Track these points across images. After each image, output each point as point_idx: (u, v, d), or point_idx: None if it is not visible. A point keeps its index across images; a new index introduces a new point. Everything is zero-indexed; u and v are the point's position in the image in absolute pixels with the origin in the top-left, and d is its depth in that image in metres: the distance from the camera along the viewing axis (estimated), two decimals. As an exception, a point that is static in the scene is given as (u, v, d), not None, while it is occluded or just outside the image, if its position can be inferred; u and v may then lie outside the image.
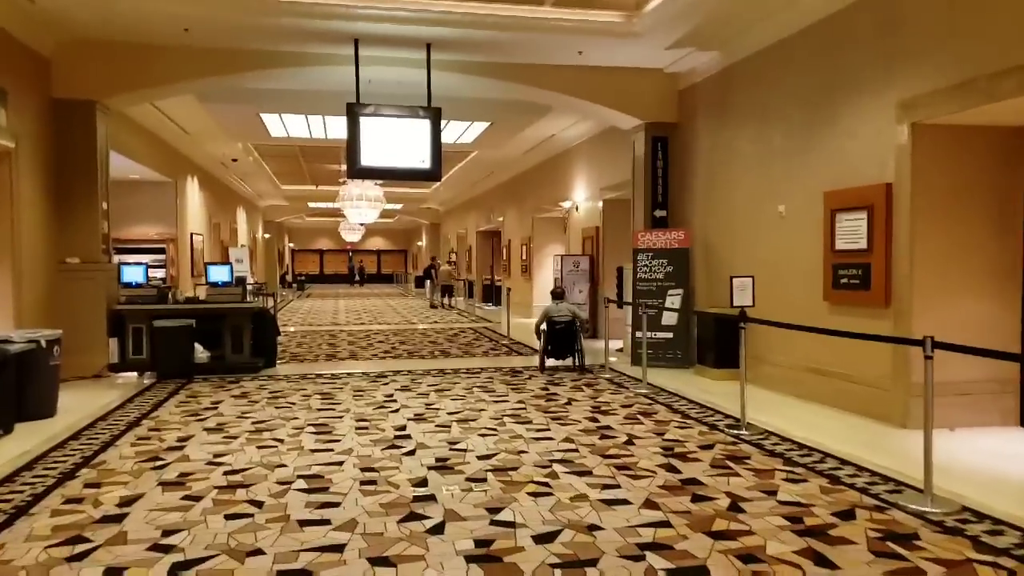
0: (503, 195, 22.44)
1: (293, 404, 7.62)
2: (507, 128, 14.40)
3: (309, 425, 6.64)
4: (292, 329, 16.36)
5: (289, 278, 43.02)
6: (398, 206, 32.38)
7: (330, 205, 31.64)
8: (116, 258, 15.10)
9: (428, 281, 25.02)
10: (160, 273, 15.12)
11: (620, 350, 12.01)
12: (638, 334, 10.29)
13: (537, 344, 10.39)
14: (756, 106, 8.82)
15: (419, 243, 45.11)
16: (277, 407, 7.48)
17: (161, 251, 15.27)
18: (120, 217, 15.32)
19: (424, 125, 9.42)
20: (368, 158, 9.25)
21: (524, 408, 7.36)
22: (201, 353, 9.67)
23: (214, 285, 10.05)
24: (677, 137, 10.89)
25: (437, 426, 6.58)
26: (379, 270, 55.58)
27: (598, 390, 8.43)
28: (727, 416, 6.93)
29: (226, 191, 23.16)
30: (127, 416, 7.11)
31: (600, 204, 13.85)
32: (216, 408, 7.44)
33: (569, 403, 7.63)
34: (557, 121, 14.04)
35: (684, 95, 10.74)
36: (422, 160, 9.42)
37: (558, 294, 10.81)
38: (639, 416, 6.98)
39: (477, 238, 26.61)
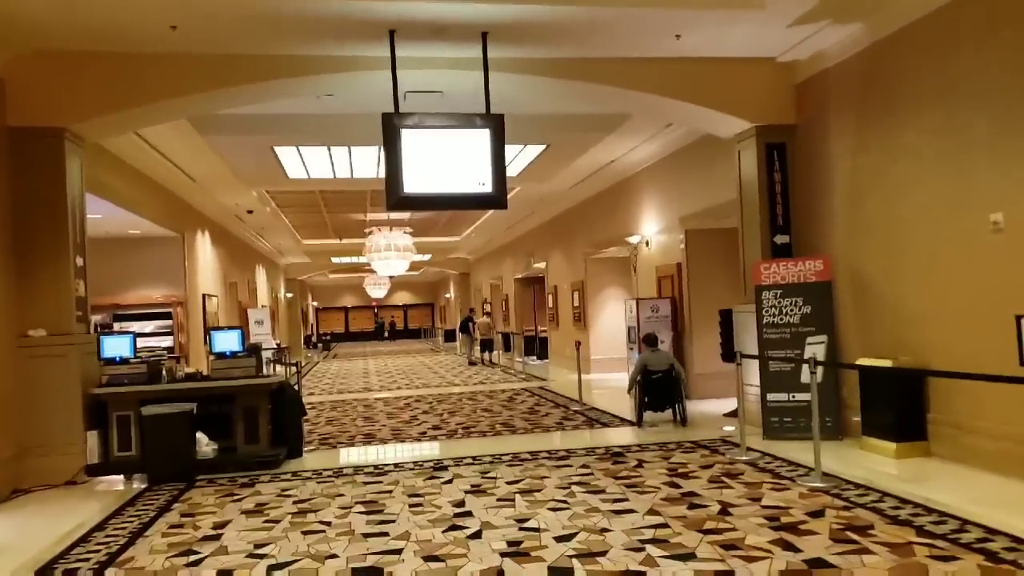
0: (546, 236, 20.25)
1: (327, 526, 5.29)
2: (564, 152, 12.23)
3: (352, 568, 4.32)
4: (319, 399, 14.08)
5: (314, 339, 40.98)
6: (426, 256, 30.34)
7: (355, 260, 29.73)
8: (117, 326, 13.11)
9: (465, 335, 22.73)
10: (167, 342, 12.99)
11: (730, 415, 9.59)
12: (771, 397, 7.94)
13: (629, 403, 8.84)
14: (938, 85, 6.53)
15: (447, 295, 43.02)
16: (305, 531, 5.16)
17: (167, 316, 13.15)
18: (119, 279, 13.33)
19: (482, 137, 7.24)
20: (413, 183, 7.07)
21: (664, 524, 4.98)
22: (206, 445, 7.41)
23: (221, 356, 7.82)
24: (797, 142, 8.63)
25: (551, 569, 4.22)
26: (406, 325, 53.50)
27: (750, 484, 6.03)
28: (984, 528, 4.50)
29: (243, 247, 21.21)
30: (90, 555, 4.82)
31: (681, 236, 11.57)
32: (219, 536, 5.14)
33: (726, 512, 5.23)
34: (620, 143, 11.89)
35: (805, 89, 8.51)
36: (481, 183, 7.22)
37: (651, 340, 9.77)
38: (851, 534, 4.57)
39: (515, 286, 24.38)
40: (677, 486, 6.04)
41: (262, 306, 23.03)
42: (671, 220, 12.02)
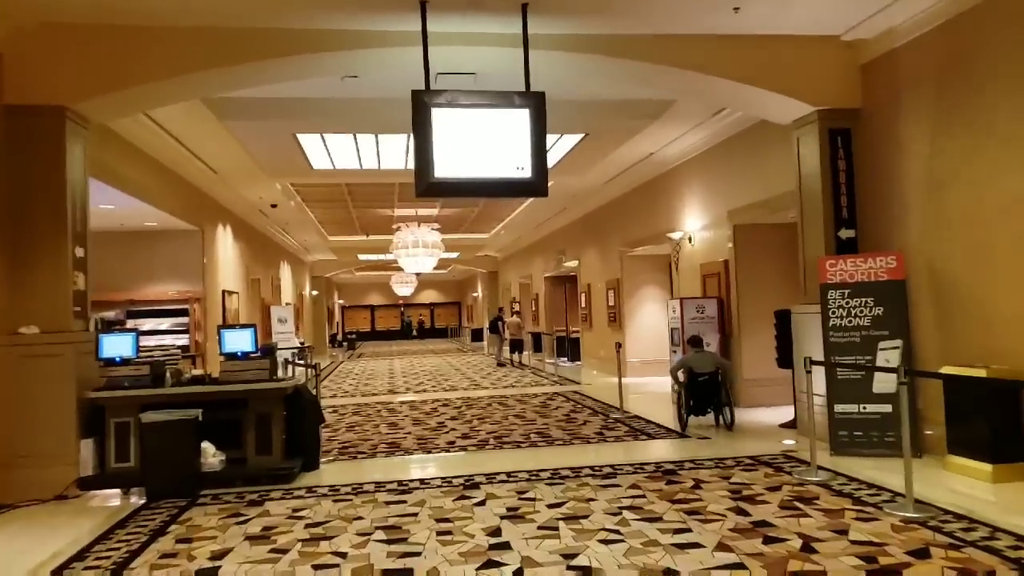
0: (578, 234, 19.46)
1: (341, 559, 4.57)
2: (603, 142, 11.44)
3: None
4: (342, 401, 13.43)
5: (339, 337, 40.51)
6: (454, 254, 29.68)
7: (382, 257, 29.14)
8: (131, 322, 12.55)
9: (495, 335, 21.99)
10: (182, 340, 12.41)
11: (787, 426, 8.76)
12: (839, 408, 7.12)
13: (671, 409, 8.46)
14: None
15: (474, 294, 42.33)
16: (316, 564, 4.46)
17: (184, 313, 12.57)
18: (134, 274, 12.77)
19: (521, 118, 6.50)
20: (444, 167, 6.35)
21: (739, 564, 4.20)
22: (212, 456, 6.74)
23: (231, 357, 7.14)
24: (862, 128, 7.80)
25: (611, 625, 3.47)
26: (432, 324, 52.93)
27: (829, 512, 5.22)
28: None
29: (267, 243, 20.67)
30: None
31: (729, 232, 10.75)
32: (215, 570, 4.44)
33: (810, 548, 4.43)
34: (663, 132, 11.09)
35: (872, 70, 7.67)
36: (519, 167, 6.48)
37: (696, 341, 9.48)
38: (973, 586, 3.77)
39: (545, 285, 23.60)
40: (744, 512, 5.25)
41: (286, 304, 22.49)
42: (718, 215, 11.19)
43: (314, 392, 7.84)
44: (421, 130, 6.32)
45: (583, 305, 19.15)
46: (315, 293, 32.12)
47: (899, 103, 7.28)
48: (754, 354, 10.54)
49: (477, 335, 37.64)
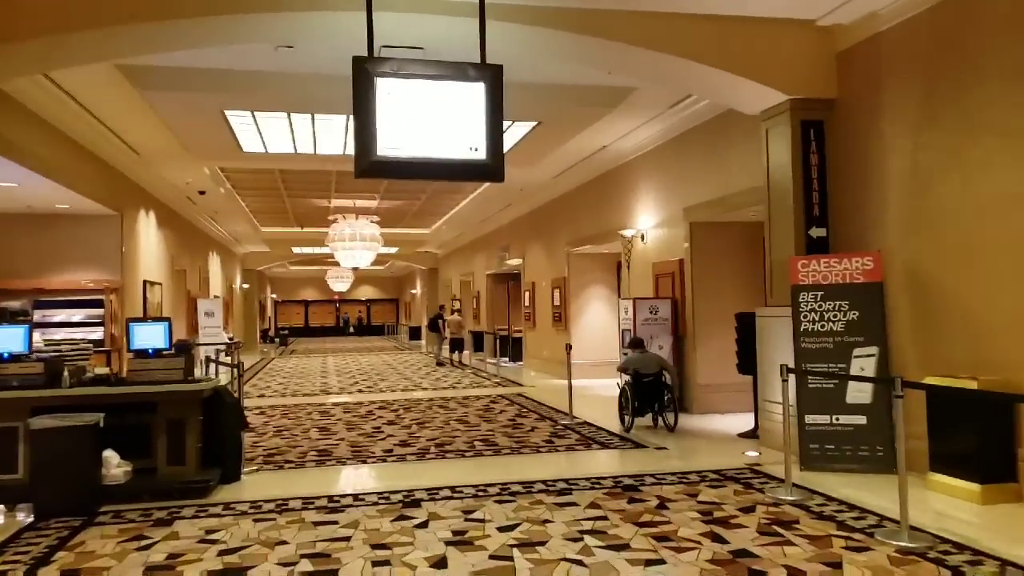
0: (523, 230, 18.87)
1: (259, 598, 3.84)
2: (557, 132, 10.83)
3: None
4: (270, 402, 12.53)
5: (271, 333, 39.10)
6: (393, 249, 28.75)
7: (317, 250, 28.06)
8: (38, 314, 11.42)
9: (435, 333, 21.22)
10: (96, 334, 11.36)
11: (746, 436, 8.30)
12: (810, 419, 6.66)
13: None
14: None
15: (413, 291, 41.42)
16: (227, 607, 3.71)
17: (98, 304, 11.49)
18: (42, 260, 11.65)
19: (476, 92, 5.80)
20: (388, 145, 5.61)
21: (729, 605, 3.63)
22: (116, 467, 5.88)
23: (141, 354, 6.28)
24: (838, 120, 7.36)
25: None
26: (368, 321, 51.71)
27: (814, 539, 4.69)
28: None
29: (195, 232, 19.52)
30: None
31: (685, 230, 10.27)
32: (104, 614, 3.67)
33: (803, 584, 3.89)
34: (619, 123, 10.56)
35: (850, 57, 7.23)
36: (473, 147, 5.79)
37: (638, 343, 9.38)
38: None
39: (488, 282, 22.95)
40: (721, 539, 4.69)
41: (214, 297, 21.36)
42: (673, 212, 10.71)
43: (236, 394, 7.01)
44: (363, 102, 5.57)
45: (527, 304, 18.56)
46: (246, 286, 30.83)
47: (879, 93, 6.85)
48: (709, 358, 10.09)
49: (415, 333, 36.76)
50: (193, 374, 6.43)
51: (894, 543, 4.52)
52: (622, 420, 9.00)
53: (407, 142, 5.67)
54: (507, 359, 20.04)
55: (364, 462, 7.37)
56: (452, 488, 6.09)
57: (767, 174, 7.80)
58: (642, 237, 11.72)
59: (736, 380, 9.56)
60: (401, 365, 20.61)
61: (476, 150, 5.78)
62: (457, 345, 20.40)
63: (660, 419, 8.92)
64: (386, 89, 5.60)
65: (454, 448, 7.94)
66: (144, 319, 6.94)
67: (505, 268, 21.06)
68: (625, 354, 10.67)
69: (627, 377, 8.96)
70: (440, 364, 20.03)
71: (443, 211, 20.70)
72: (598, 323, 15.10)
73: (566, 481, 6.30)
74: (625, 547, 4.57)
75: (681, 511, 5.35)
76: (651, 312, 10.51)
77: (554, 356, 16.27)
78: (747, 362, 8.34)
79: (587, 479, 6.38)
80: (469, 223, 22.28)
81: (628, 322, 10.64)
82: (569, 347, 10.35)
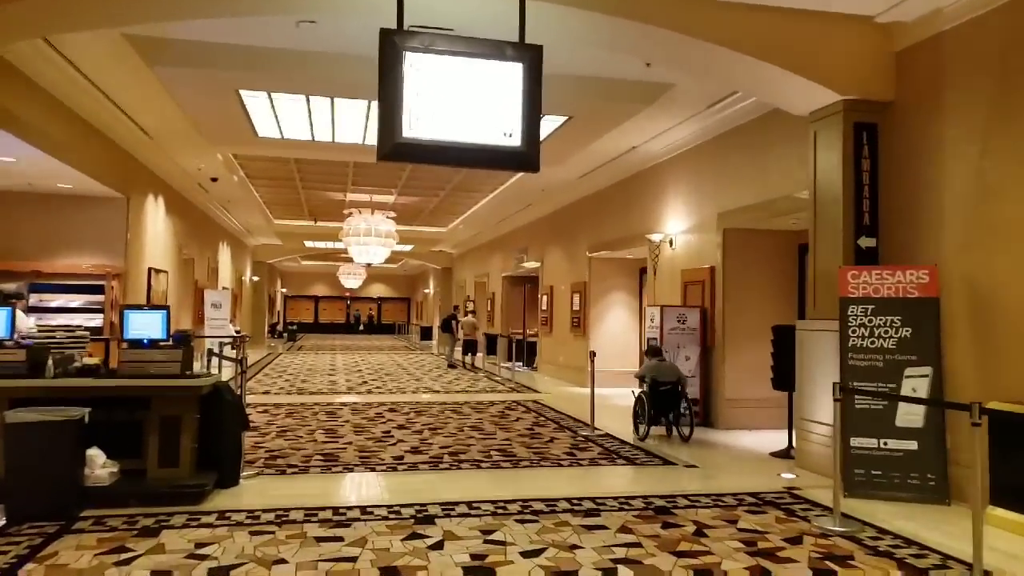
0: (543, 232, 18.37)
1: (251, 630, 3.35)
2: (587, 128, 10.32)
3: None
4: (275, 399, 12.06)
5: (280, 327, 38.72)
6: (407, 247, 28.34)
7: (331, 245, 27.69)
8: (34, 298, 11.00)
9: (447, 334, 20.72)
10: (96, 321, 10.93)
11: (779, 455, 7.77)
12: (856, 442, 6.13)
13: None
14: None
15: (425, 290, 40.98)
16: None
17: (99, 290, 11.07)
18: (43, 242, 11.25)
19: (512, 73, 5.32)
20: (415, 126, 5.14)
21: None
22: (101, 467, 5.41)
23: (136, 345, 5.82)
24: (893, 123, 6.84)
25: None
26: (379, 319, 51.29)
27: (875, 580, 4.18)
28: None
29: (205, 221, 19.13)
30: None
31: (718, 237, 9.74)
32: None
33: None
34: (654, 121, 10.06)
35: (909, 57, 6.71)
36: (507, 132, 5.31)
37: (656, 351, 9.18)
38: None
39: (503, 284, 22.46)
40: (769, 575, 4.18)
41: (223, 288, 20.96)
42: (705, 217, 10.19)
43: (238, 391, 6.54)
44: (389, 78, 5.10)
45: (544, 308, 18.05)
46: (256, 279, 30.48)
47: (942, 95, 6.32)
48: (738, 372, 9.56)
49: (426, 333, 36.31)
50: (192, 368, 5.95)
51: (974, 595, 4.00)
52: (636, 429, 8.87)
53: (436, 124, 5.18)
54: (521, 364, 19.52)
55: (373, 469, 6.87)
56: (469, 504, 5.59)
57: (814, 179, 7.27)
58: (671, 243, 11.20)
59: (765, 396, 9.08)
60: (412, 366, 20.14)
61: (510, 136, 5.30)
62: (470, 347, 19.91)
63: (675, 429, 8.79)
64: (415, 65, 5.12)
65: (469, 458, 7.43)
66: (140, 306, 6.44)
67: (522, 271, 20.58)
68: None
69: (644, 386, 8.78)
70: (452, 366, 19.55)
71: (461, 210, 20.23)
72: (618, 330, 14.59)
73: (593, 500, 5.79)
74: (665, 583, 4.06)
75: (721, 540, 4.84)
76: (679, 321, 9.98)
77: (570, 362, 15.77)
78: (783, 378, 7.81)
79: (615, 498, 5.86)
80: (487, 223, 21.80)
81: (655, 330, 10.12)
82: (593, 354, 9.82)
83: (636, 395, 9.06)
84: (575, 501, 5.74)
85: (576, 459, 7.49)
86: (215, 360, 8.67)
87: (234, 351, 15.15)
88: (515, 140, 5.31)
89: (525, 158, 5.33)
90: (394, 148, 5.12)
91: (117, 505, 5.24)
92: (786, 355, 7.71)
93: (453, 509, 5.45)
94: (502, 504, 5.62)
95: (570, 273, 16.02)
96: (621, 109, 9.34)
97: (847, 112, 6.86)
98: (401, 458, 7.37)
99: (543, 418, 10.29)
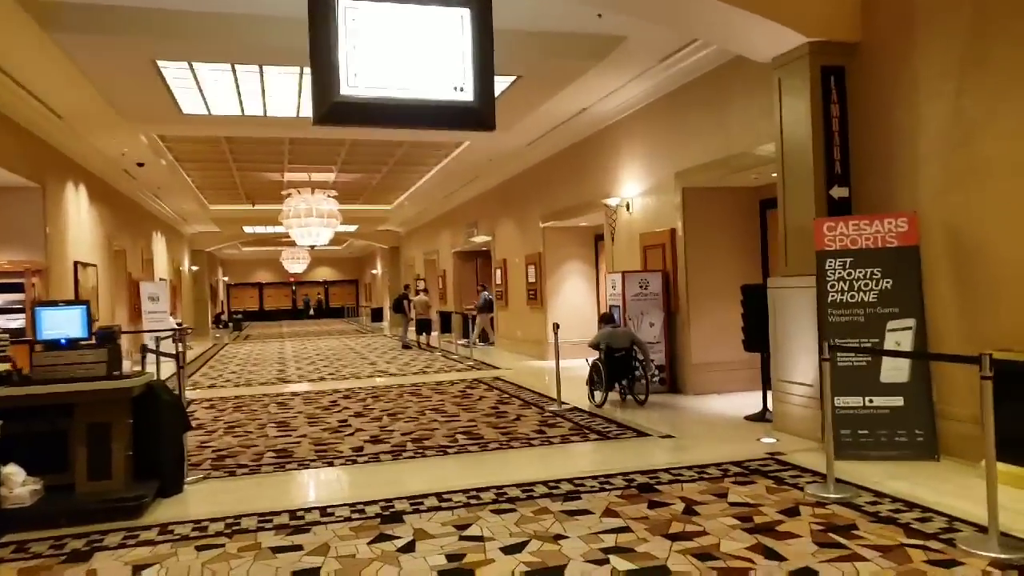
0: (493, 205, 17.86)
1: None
2: (537, 88, 9.81)
3: None
4: (222, 392, 11.41)
5: (224, 317, 37.53)
6: (352, 227, 27.49)
7: (271, 229, 26.70)
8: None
9: (400, 315, 20.11)
10: (17, 322, 10.10)
11: (755, 419, 7.50)
12: (841, 402, 5.85)
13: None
14: None
15: (373, 271, 40.13)
16: None
17: (17, 288, 10.23)
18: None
19: (459, 20, 4.81)
20: (356, 83, 4.60)
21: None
22: (21, 485, 4.80)
23: (52, 346, 5.18)
24: (862, 65, 6.50)
25: None
26: (327, 303, 50.20)
27: (884, 550, 3.84)
28: None
29: (135, 209, 18.14)
30: None
31: (677, 197, 9.38)
32: None
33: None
34: (601, 82, 9.62)
35: (877, -8, 6.38)
36: (457, 87, 4.80)
37: (609, 318, 9.28)
38: None
39: (454, 260, 21.92)
40: (775, 554, 3.83)
41: (160, 279, 20.01)
42: (663, 178, 9.81)
43: (177, 392, 5.95)
44: (322, 29, 4.53)
45: (498, 282, 17.59)
46: (195, 269, 29.36)
47: (914, 32, 5.99)
48: (704, 335, 9.27)
49: (377, 315, 35.59)
50: (120, 368, 5.35)
51: (984, 554, 3.72)
52: (591, 397, 8.82)
53: (377, 80, 4.66)
54: (478, 340, 19.06)
55: (331, 464, 6.36)
56: (439, 495, 5.14)
57: (780, 129, 6.92)
58: (627, 206, 10.82)
59: (733, 358, 8.86)
60: (364, 349, 19.53)
61: (461, 90, 4.80)
62: (424, 327, 19.40)
63: (630, 394, 8.84)
64: (351, 14, 4.58)
65: (434, 443, 6.97)
66: (55, 303, 5.76)
67: (473, 245, 20.07)
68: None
69: (600, 353, 8.76)
70: (406, 347, 19.00)
71: (406, 185, 19.58)
72: (577, 300, 14.23)
73: (570, 481, 5.39)
74: (663, 570, 3.68)
75: (714, 516, 4.48)
76: (641, 286, 9.64)
77: (529, 336, 15.38)
78: (755, 339, 7.51)
79: (593, 477, 5.48)
80: (434, 198, 21.18)
81: (616, 297, 9.76)
82: (557, 327, 9.41)
83: (591, 363, 8.91)
84: (552, 484, 5.33)
85: (547, 437, 7.09)
86: (151, 357, 7.98)
87: (176, 344, 14.35)
88: (467, 95, 4.82)
89: (478, 115, 4.85)
90: (332, 109, 4.58)
91: (43, 526, 4.65)
92: (757, 315, 7.40)
93: (422, 503, 4.99)
94: (474, 493, 5.18)
95: (524, 244, 15.57)
96: (571, 67, 8.86)
97: (813, 55, 6.51)
98: (361, 449, 6.87)
99: (506, 395, 9.88)
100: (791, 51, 6.66)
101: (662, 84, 9.50)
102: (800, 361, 6.60)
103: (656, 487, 5.19)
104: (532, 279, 14.93)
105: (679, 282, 9.44)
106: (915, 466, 5.53)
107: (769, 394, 7.40)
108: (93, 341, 5.27)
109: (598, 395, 8.71)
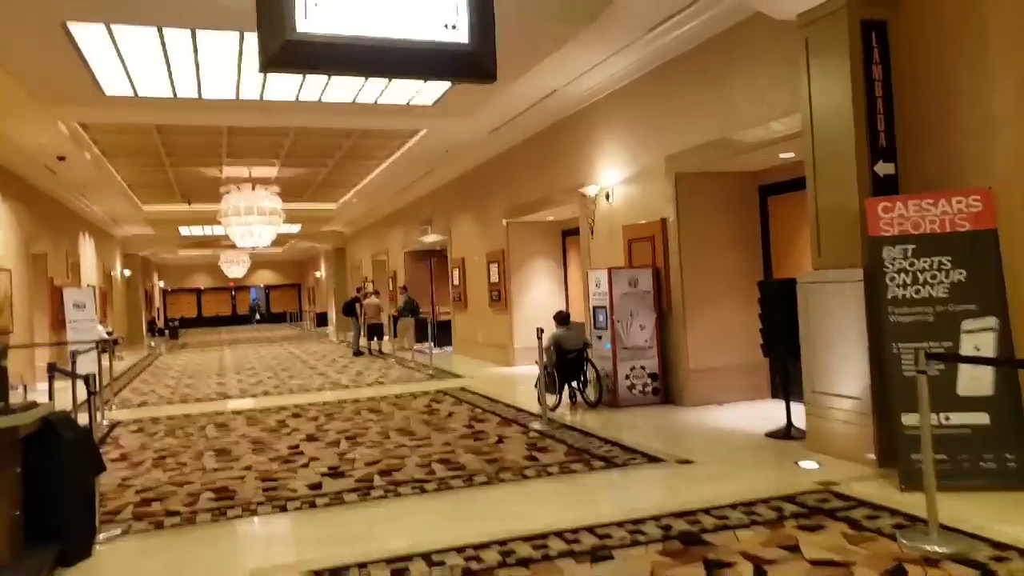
0: (448, 200, 16.69)
1: None
2: (511, 63, 8.57)
3: None
4: (153, 412, 9.99)
5: (160, 325, 35.45)
6: (295, 228, 25.91)
7: (209, 231, 25.02)
8: None
9: (351, 319, 18.75)
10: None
11: (778, 436, 6.50)
12: (909, 420, 4.86)
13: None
14: None
15: (317, 274, 38.47)
16: None
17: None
18: None
19: (449, -61, 3.67)
20: (316, 15, 3.42)
21: None
22: None
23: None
24: (910, 19, 5.56)
25: None
26: (268, 309, 48.20)
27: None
28: None
29: (58, 210, 16.49)
30: None
31: (669, 184, 8.37)
32: None
33: None
34: (580, 56, 8.53)
35: (929, -68, 5.43)
36: (449, 24, 3.67)
37: (564, 319, 9.00)
38: None
39: (406, 260, 20.64)
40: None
41: (87, 286, 18.30)
42: (650, 163, 8.79)
43: (88, 424, 4.67)
44: (269, -58, 3.35)
45: (456, 283, 16.42)
46: (128, 274, 27.45)
47: (975, -21, 5.07)
48: (703, 338, 8.28)
49: (322, 320, 34.01)
50: (6, 399, 4.06)
51: None
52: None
53: (344, 12, 3.48)
54: (432, 345, 17.81)
55: (283, 509, 5.13)
56: (427, 558, 3.97)
57: (808, 98, 5.94)
58: (607, 196, 9.77)
59: (734, 363, 7.93)
60: (311, 357, 18.12)
61: (454, 28, 3.66)
62: (376, 332, 18.08)
63: (579, 395, 8.70)
64: (307, -79, 3.39)
65: (406, 476, 5.79)
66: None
67: (426, 244, 18.85)
68: (599, 337, 8.79)
69: (553, 354, 8.53)
70: (358, 354, 17.65)
71: (354, 181, 18.23)
72: (544, 301, 13.13)
73: (591, 531, 4.27)
74: None
75: (789, 582, 3.43)
76: (630, 284, 8.59)
77: (492, 340, 14.26)
78: (778, 342, 6.53)
79: (619, 524, 4.37)
80: (383, 194, 19.84)
81: (602, 297, 8.70)
82: (540, 331, 8.29)
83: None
84: (569, 537, 4.21)
85: (542, 465, 5.96)
86: (75, 380, 6.60)
87: (100, 358, 12.84)
88: (460, 34, 3.68)
89: (475, 58, 3.72)
90: (284, 48, 3.40)
91: None
92: (780, 315, 6.42)
93: (407, 571, 3.82)
94: (473, 553, 4.02)
95: (484, 242, 14.44)
96: (549, 34, 7.74)
97: (851, 8, 5.53)
98: (318, 486, 5.65)
99: (479, 410, 8.73)
100: (823, 3, 5.68)
101: (647, 58, 8.46)
102: (844, 369, 5.62)
103: (703, 537, 4.11)
104: (495, 279, 13.80)
105: (672, 279, 8.43)
106: (1009, 500, 4.55)
107: (794, 406, 6.44)
108: (-37, 365, 3.97)
109: (552, 398, 8.34)
